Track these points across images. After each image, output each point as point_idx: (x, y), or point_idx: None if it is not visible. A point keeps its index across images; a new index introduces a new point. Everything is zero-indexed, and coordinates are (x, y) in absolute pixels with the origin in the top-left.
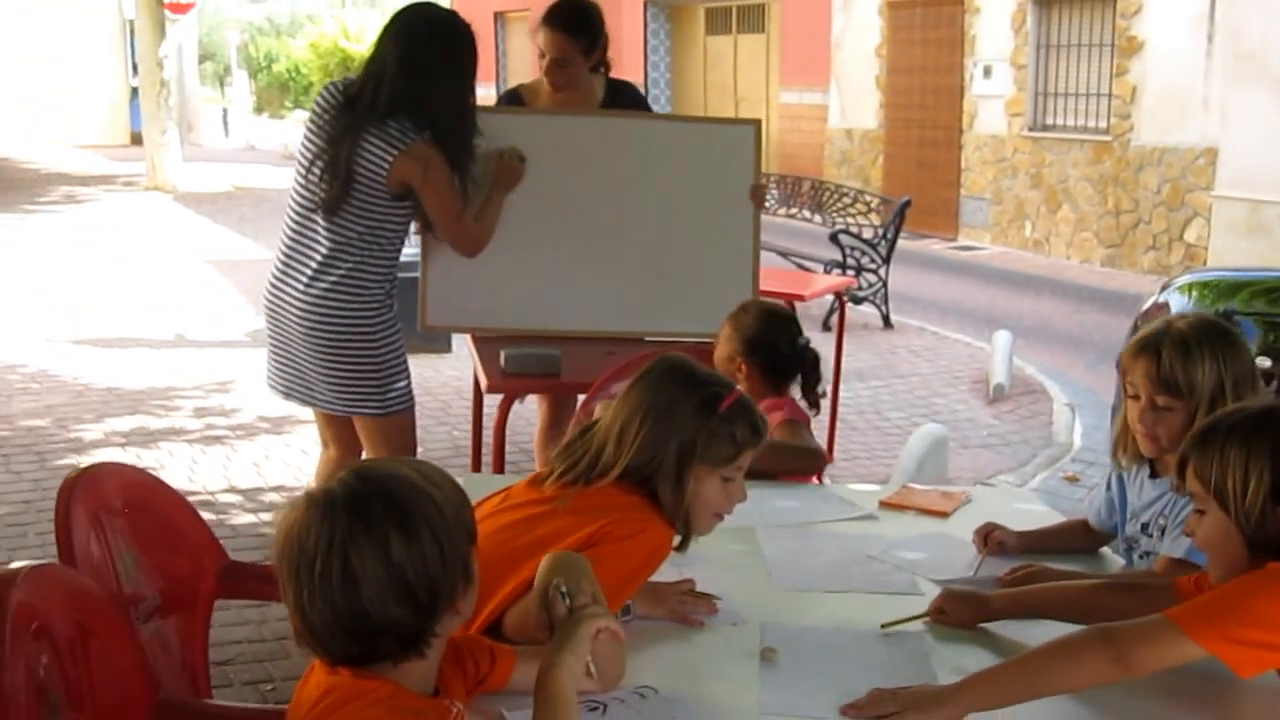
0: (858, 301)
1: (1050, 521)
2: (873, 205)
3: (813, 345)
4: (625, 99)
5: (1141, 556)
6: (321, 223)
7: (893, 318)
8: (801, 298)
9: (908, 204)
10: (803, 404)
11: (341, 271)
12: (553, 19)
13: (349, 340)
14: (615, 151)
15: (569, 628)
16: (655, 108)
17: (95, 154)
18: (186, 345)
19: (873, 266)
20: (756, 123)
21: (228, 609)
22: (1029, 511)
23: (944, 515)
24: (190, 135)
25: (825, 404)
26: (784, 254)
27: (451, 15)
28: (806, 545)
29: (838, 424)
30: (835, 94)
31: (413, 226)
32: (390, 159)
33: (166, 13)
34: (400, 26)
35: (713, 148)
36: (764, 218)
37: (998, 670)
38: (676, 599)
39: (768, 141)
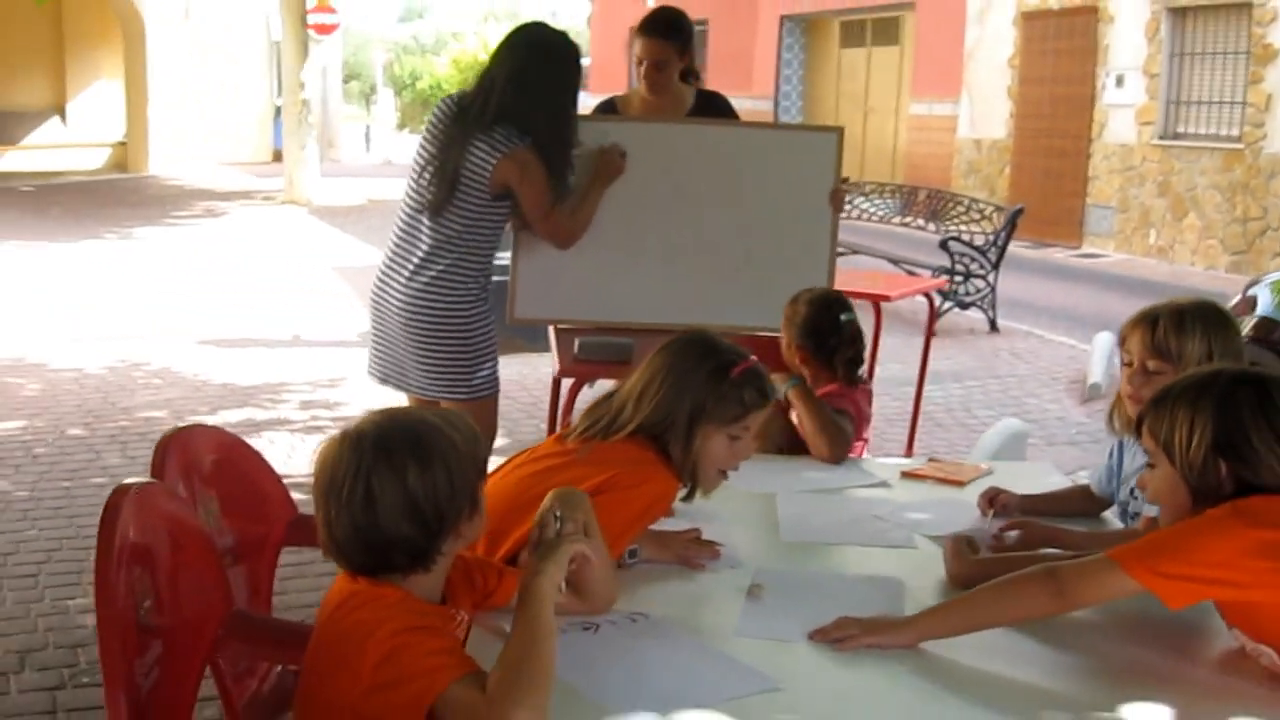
0: (965, 307)
1: None
2: (986, 213)
3: (855, 322)
4: (714, 108)
5: (1132, 518)
6: (426, 223)
7: (1000, 322)
8: (887, 298)
9: (1019, 212)
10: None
11: (441, 267)
12: (649, 27)
13: (443, 329)
14: (702, 156)
15: (552, 545)
16: (785, 118)
17: (239, 171)
18: (301, 345)
19: (981, 273)
20: (839, 130)
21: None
22: (1050, 484)
23: (960, 484)
24: (330, 152)
25: (908, 404)
26: (895, 261)
27: (560, 35)
28: (819, 507)
29: (921, 421)
30: (965, 105)
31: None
32: (494, 161)
33: (311, 33)
34: (511, 43)
35: (797, 153)
36: (876, 225)
37: (951, 603)
38: (681, 545)
39: (895, 152)
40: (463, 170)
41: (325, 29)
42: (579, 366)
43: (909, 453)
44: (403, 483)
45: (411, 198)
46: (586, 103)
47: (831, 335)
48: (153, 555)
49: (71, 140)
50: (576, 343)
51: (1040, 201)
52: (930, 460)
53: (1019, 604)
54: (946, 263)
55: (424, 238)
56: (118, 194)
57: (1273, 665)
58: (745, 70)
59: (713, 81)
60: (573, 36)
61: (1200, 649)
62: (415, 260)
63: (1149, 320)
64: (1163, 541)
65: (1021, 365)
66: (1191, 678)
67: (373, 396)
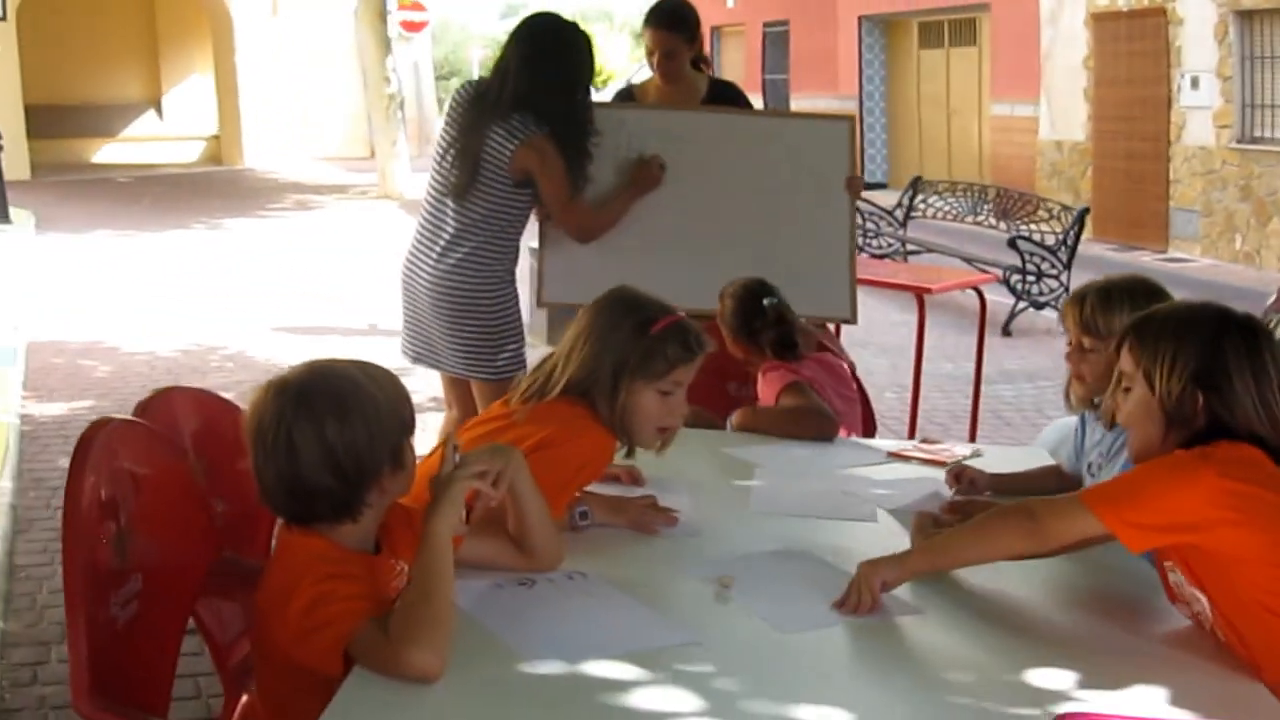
0: (1039, 307)
1: None
2: (1054, 212)
3: (778, 305)
4: (727, 97)
5: None
6: (452, 206)
7: None
8: (929, 290)
9: (1086, 211)
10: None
11: (467, 249)
12: (655, 18)
13: (470, 310)
14: (717, 143)
15: (445, 484)
16: (869, 119)
17: (334, 165)
18: (377, 334)
19: (1054, 272)
20: (850, 119)
21: None
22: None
23: (943, 465)
24: (428, 148)
25: (965, 404)
26: (967, 259)
27: (570, 25)
28: (793, 482)
29: (989, 418)
30: (1045, 106)
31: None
32: (511, 148)
33: (400, 30)
34: (524, 31)
35: (810, 142)
36: (948, 224)
37: (938, 540)
38: (637, 511)
39: (981, 153)
40: (483, 156)
41: (415, 26)
42: None
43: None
44: (321, 435)
45: (436, 181)
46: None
47: (755, 319)
48: (129, 491)
49: (167, 133)
50: None
51: (1124, 204)
52: (923, 441)
53: (998, 541)
54: (1017, 262)
55: (450, 221)
56: (211, 186)
57: (1202, 614)
58: (830, 71)
59: (798, 82)
60: None
61: (1148, 627)
62: (442, 242)
63: (1078, 299)
64: (1133, 487)
65: None
66: (1142, 650)
67: (439, 386)
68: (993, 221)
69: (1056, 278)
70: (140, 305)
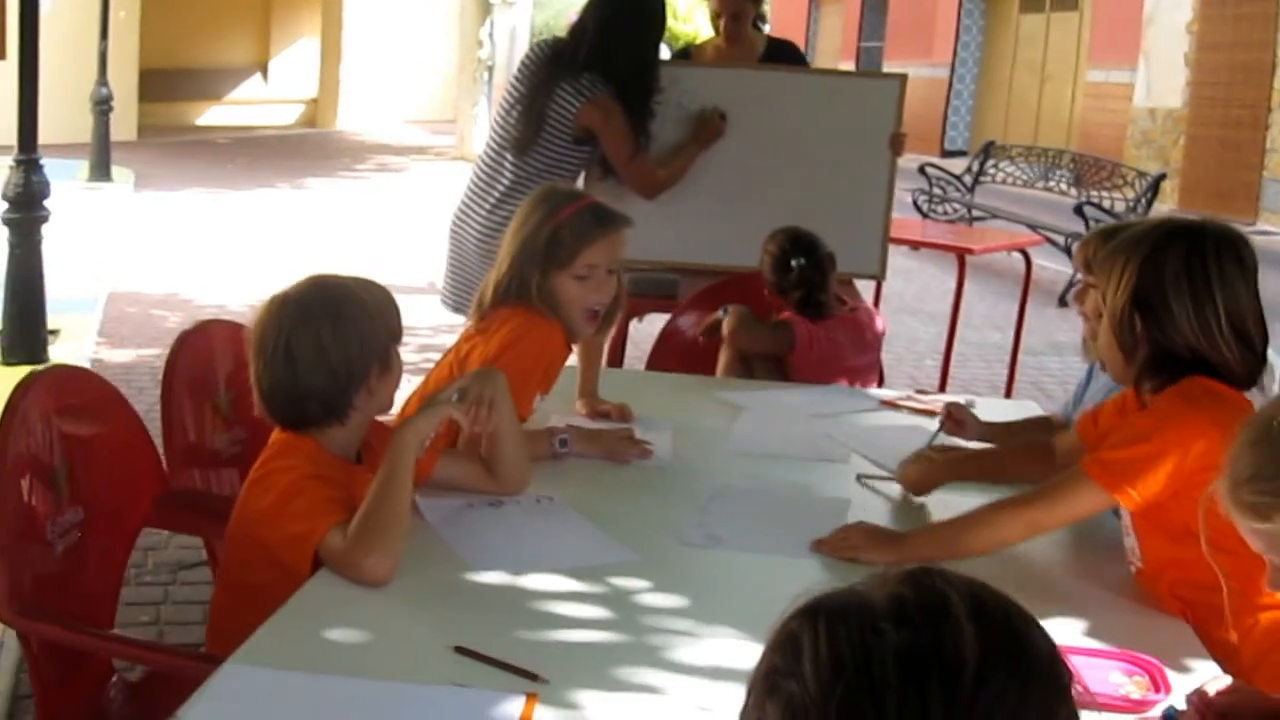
0: None
1: None
2: (1128, 179)
3: (806, 267)
4: (785, 56)
5: None
6: (510, 159)
7: None
8: (970, 251)
9: (1162, 177)
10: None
11: (516, 203)
12: None
13: None
14: (766, 101)
15: (428, 403)
16: (959, 86)
17: (420, 128)
18: (434, 292)
19: None
20: (902, 77)
21: None
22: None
23: (932, 414)
24: None
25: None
26: (1032, 226)
27: None
28: (775, 424)
29: (1030, 390)
30: (1143, 72)
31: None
32: (578, 105)
33: None
34: None
35: (859, 100)
36: (1020, 190)
37: (941, 529)
38: (612, 440)
39: (1070, 121)
40: (549, 112)
41: None
42: (629, 301)
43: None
44: (317, 338)
45: (497, 135)
46: None
47: (784, 276)
48: (73, 432)
49: (270, 97)
50: (626, 279)
51: (1215, 174)
52: (916, 391)
53: (1002, 531)
54: (1083, 229)
55: (506, 174)
56: (302, 148)
57: (1132, 557)
58: (926, 39)
59: (892, 49)
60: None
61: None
62: (496, 194)
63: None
64: (1136, 454)
65: None
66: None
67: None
68: (1064, 188)
69: None
70: (218, 260)
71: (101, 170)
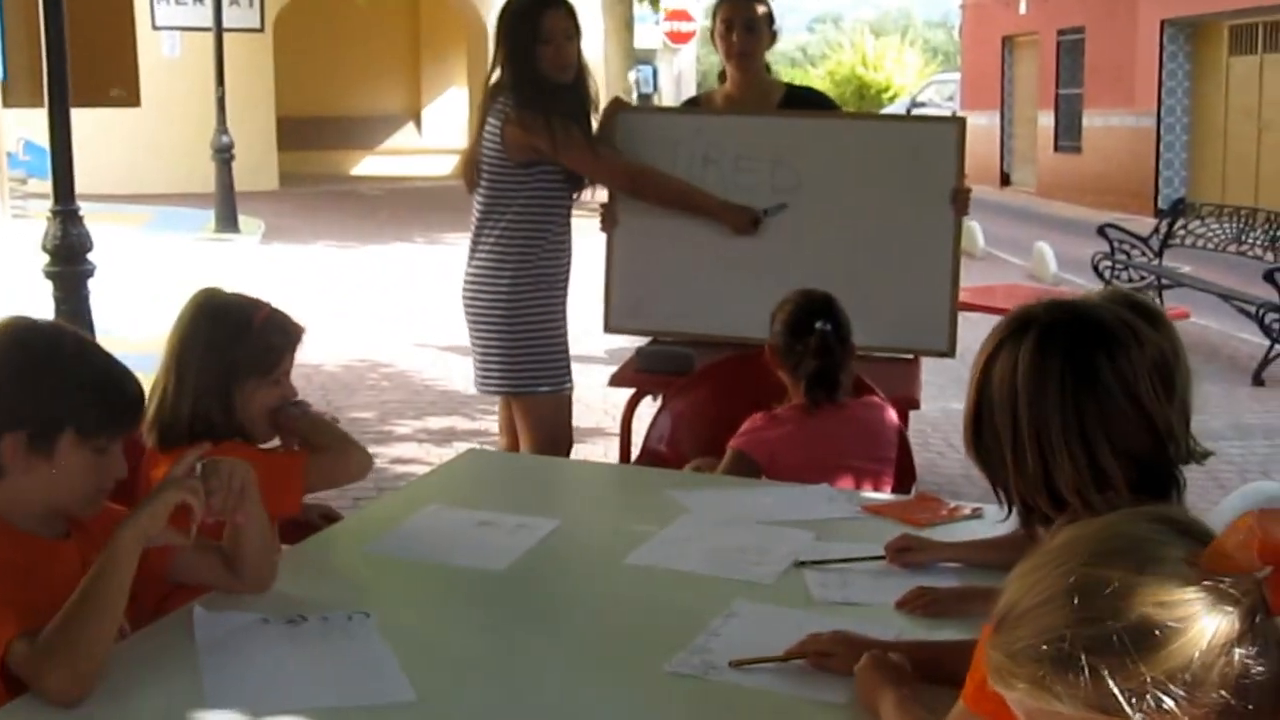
0: None
1: None
2: None
3: (831, 336)
4: (809, 103)
5: None
6: (474, 207)
7: None
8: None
9: None
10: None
11: (484, 249)
12: None
13: (484, 318)
14: (806, 154)
15: (159, 489)
16: (1169, 136)
17: None
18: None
19: None
20: (961, 120)
21: None
22: None
23: (918, 525)
24: None
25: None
26: (1224, 296)
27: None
28: (708, 534)
29: (1202, 480)
30: None
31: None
32: (498, 127)
33: (666, 40)
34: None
35: (909, 149)
36: (1209, 253)
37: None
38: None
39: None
40: (483, 145)
41: (681, 37)
42: (637, 377)
43: None
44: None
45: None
46: None
47: (800, 340)
48: None
49: (424, 146)
50: (638, 352)
51: None
52: (919, 495)
53: None
54: (1276, 298)
55: (475, 218)
56: (449, 200)
57: None
58: (1126, 84)
59: (1092, 98)
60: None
61: None
62: (472, 245)
63: None
64: None
65: None
66: None
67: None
68: (1258, 252)
69: None
70: (330, 317)
71: (228, 221)
